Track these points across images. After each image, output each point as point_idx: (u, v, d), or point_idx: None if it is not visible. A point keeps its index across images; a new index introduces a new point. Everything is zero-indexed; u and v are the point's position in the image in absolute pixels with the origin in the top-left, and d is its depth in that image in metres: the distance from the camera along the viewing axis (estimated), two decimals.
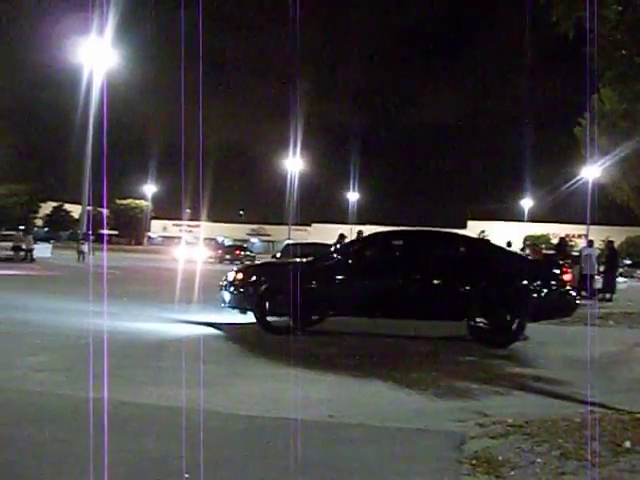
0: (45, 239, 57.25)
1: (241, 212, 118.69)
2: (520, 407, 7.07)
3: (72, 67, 41.05)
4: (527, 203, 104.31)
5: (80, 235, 50.64)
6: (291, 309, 11.47)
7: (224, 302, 12.93)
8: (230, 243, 70.03)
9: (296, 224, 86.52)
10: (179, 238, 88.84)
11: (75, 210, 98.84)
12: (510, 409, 6.86)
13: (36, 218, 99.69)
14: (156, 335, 11.66)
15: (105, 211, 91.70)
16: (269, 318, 12.25)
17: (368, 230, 26.42)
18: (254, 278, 12.71)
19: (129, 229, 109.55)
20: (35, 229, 72.58)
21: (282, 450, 5.20)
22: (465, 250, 13.11)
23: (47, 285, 22.27)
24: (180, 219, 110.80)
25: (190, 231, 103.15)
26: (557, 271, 12.34)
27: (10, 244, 41.12)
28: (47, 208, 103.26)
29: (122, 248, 79.59)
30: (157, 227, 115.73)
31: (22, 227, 63.03)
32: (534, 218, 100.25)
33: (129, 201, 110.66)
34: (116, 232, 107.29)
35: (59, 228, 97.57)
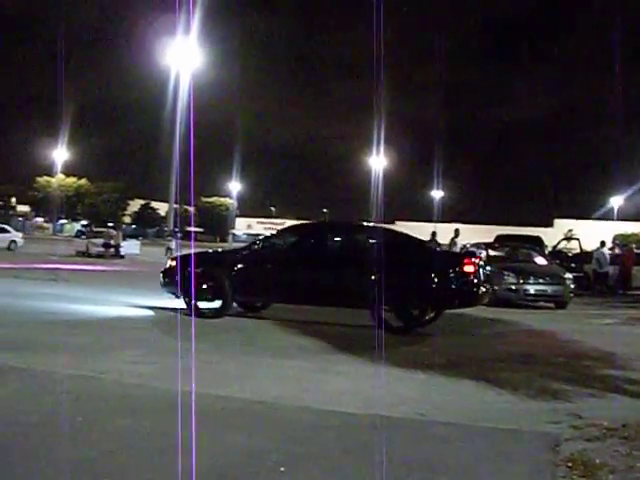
0: (133, 236, 58.46)
1: (325, 210, 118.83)
2: (615, 410, 6.90)
3: (161, 68, 41.84)
4: (617, 201, 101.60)
5: (167, 232, 51.59)
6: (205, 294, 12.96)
7: (162, 287, 13.99)
8: None
9: (380, 222, 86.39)
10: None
11: (162, 208, 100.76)
12: (605, 411, 6.71)
13: (124, 215, 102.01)
14: (244, 330, 11.84)
15: (191, 209, 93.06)
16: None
17: (451, 229, 26.27)
18: (184, 266, 13.42)
19: (214, 226, 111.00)
20: (123, 226, 74.16)
21: (374, 447, 5.21)
22: (371, 240, 13.61)
23: (137, 280, 22.70)
24: (265, 217, 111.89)
25: (275, 228, 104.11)
26: (459, 262, 12.74)
27: (101, 241, 42.21)
28: (135, 206, 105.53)
29: (208, 245, 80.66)
30: (242, 225, 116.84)
31: (111, 224, 64.61)
32: (625, 217, 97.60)
33: (214, 199, 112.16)
34: (202, 229, 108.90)
35: (146, 225, 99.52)
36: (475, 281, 12.57)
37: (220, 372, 8.11)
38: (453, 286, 12.57)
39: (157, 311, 13.71)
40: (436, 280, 12.46)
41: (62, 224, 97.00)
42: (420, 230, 25.44)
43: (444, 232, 26.15)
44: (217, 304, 13.15)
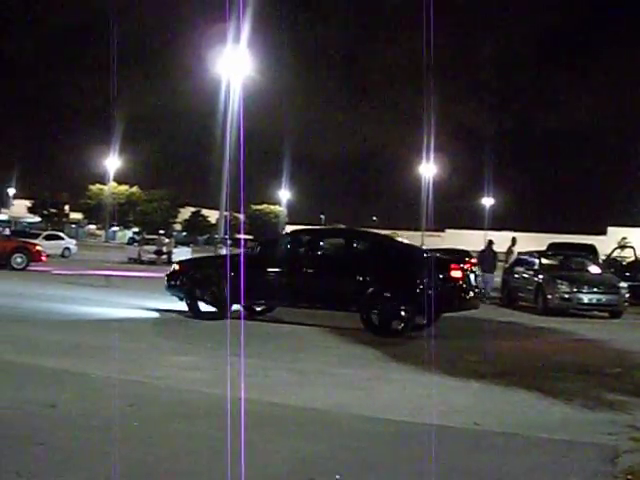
0: (184, 243, 58.97)
1: (374, 218, 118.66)
2: None
3: (212, 76, 42.18)
4: None
5: (218, 240, 51.97)
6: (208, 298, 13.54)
7: (167, 289, 14.45)
8: None
9: (429, 230, 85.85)
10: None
11: (212, 215, 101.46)
12: None
13: (175, 223, 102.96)
14: (291, 337, 11.89)
15: (241, 216, 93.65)
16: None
17: (503, 237, 26.00)
18: (186, 270, 14.41)
19: (264, 234, 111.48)
20: (174, 233, 74.93)
21: (429, 455, 5.18)
22: (363, 246, 14.08)
23: None
24: (314, 224, 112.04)
25: None
26: (446, 267, 12.90)
27: (153, 248, 42.67)
28: (185, 213, 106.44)
29: None
30: None
31: (162, 231, 65.27)
32: None
33: (264, 206, 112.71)
34: (251, 237, 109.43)
35: (197, 233, 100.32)
36: (463, 286, 12.84)
37: (273, 379, 8.15)
38: (439, 291, 12.48)
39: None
40: (422, 285, 12.57)
41: (114, 231, 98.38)
42: (471, 238, 25.27)
43: (496, 240, 25.86)
44: (216, 307, 13.60)
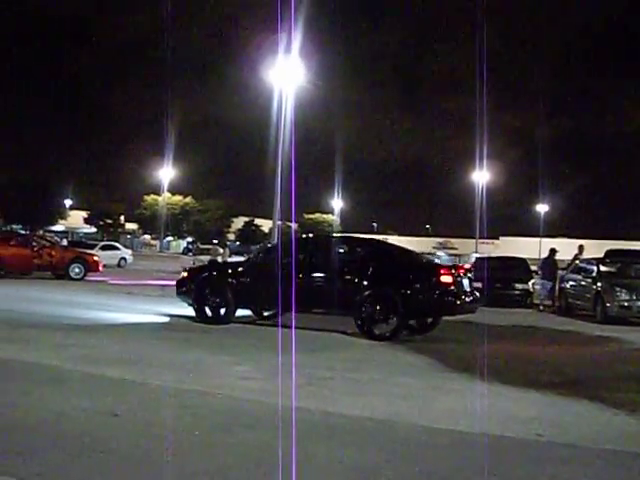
0: (238, 253, 59.38)
1: (428, 226, 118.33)
2: None
3: (265, 86, 42.41)
4: None
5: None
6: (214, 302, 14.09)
7: (177, 295, 15.17)
8: None
9: (483, 237, 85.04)
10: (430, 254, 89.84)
11: (265, 225, 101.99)
12: None
13: (228, 232, 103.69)
14: (344, 346, 11.86)
15: (294, 225, 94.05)
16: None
17: (559, 243, 25.65)
18: (193, 277, 15.02)
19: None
20: (228, 243, 75.41)
21: (489, 467, 5.12)
22: (358, 252, 14.38)
23: None
24: (367, 233, 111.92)
25: None
26: (436, 273, 13.21)
27: (208, 257, 42.98)
28: (239, 223, 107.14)
29: None
30: None
31: (216, 241, 65.77)
32: None
33: (317, 215, 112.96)
34: None
35: (250, 242, 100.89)
36: (453, 291, 12.97)
37: (329, 388, 8.13)
38: (429, 295, 12.99)
39: (258, 326, 13.88)
40: (410, 290, 13.02)
41: (168, 241, 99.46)
42: (525, 246, 25.04)
43: (548, 247, 25.56)
44: (221, 311, 14.16)
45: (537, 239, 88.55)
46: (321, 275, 13.79)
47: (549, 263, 23.82)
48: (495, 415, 6.87)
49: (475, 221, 75.86)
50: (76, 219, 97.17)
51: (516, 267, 26.61)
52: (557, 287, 23.29)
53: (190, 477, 4.81)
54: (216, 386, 7.85)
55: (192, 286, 14.63)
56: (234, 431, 6.01)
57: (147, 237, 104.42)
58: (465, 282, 13.58)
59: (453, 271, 13.47)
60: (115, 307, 16.34)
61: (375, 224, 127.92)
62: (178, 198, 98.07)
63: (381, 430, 6.24)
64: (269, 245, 16.14)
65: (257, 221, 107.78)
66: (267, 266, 14.20)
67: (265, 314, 15.33)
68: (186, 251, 67.96)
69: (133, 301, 17.07)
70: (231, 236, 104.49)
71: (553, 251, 23.97)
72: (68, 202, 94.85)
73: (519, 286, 24.57)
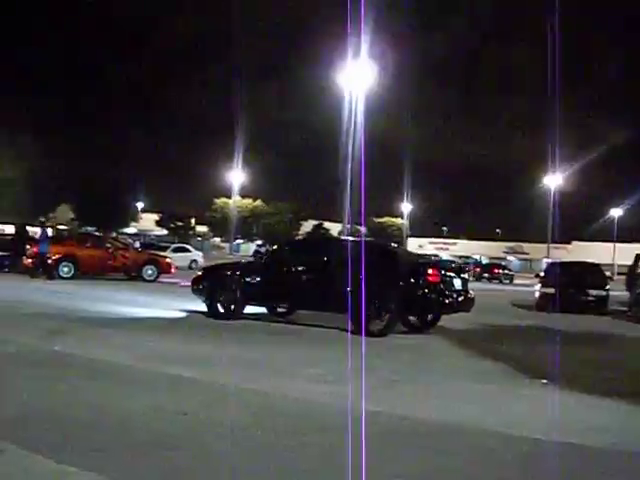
0: None
1: (498, 230, 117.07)
2: None
3: (335, 90, 42.51)
4: None
5: None
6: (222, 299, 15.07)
7: (192, 292, 16.14)
8: (487, 261, 69.26)
9: (555, 242, 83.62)
10: (435, 256, 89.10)
11: (334, 228, 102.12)
12: None
13: (298, 235, 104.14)
14: (411, 349, 11.79)
15: (364, 229, 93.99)
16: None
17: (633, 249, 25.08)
18: (206, 275, 16.21)
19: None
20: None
21: (563, 476, 5.02)
22: (353, 253, 14.08)
23: None
24: (437, 237, 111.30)
25: (446, 249, 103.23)
26: (424, 273, 13.63)
27: None
28: (308, 226, 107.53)
29: None
30: (413, 245, 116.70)
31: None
32: None
33: (386, 219, 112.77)
34: None
35: None
36: (441, 290, 13.56)
37: (399, 391, 8.10)
38: (418, 294, 13.55)
39: (327, 329, 13.89)
40: (401, 289, 13.68)
41: (238, 244, 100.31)
42: (598, 251, 24.65)
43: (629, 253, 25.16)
44: (231, 307, 15.08)
45: (611, 244, 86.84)
46: (320, 275, 14.48)
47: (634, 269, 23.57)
48: (569, 422, 6.72)
49: (546, 225, 74.68)
50: (148, 222, 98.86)
51: (590, 273, 26.13)
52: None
53: (250, 478, 4.85)
54: (282, 387, 7.89)
55: (205, 284, 15.76)
56: (302, 433, 6.00)
57: (217, 240, 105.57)
58: (457, 282, 14.10)
59: (443, 271, 13.94)
60: (185, 308, 16.56)
61: (445, 228, 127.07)
62: (248, 201, 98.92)
63: (454, 435, 6.17)
64: (274, 247, 17.48)
65: (326, 224, 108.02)
66: (271, 266, 15.54)
67: (279, 311, 16.09)
68: (256, 254, 68.56)
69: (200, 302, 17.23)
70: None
71: (639, 257, 23.56)
72: (140, 205, 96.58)
73: (593, 292, 24.09)
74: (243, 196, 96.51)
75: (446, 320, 14.83)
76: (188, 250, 50.66)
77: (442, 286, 13.56)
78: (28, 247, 28.08)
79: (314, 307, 14.89)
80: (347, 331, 12.83)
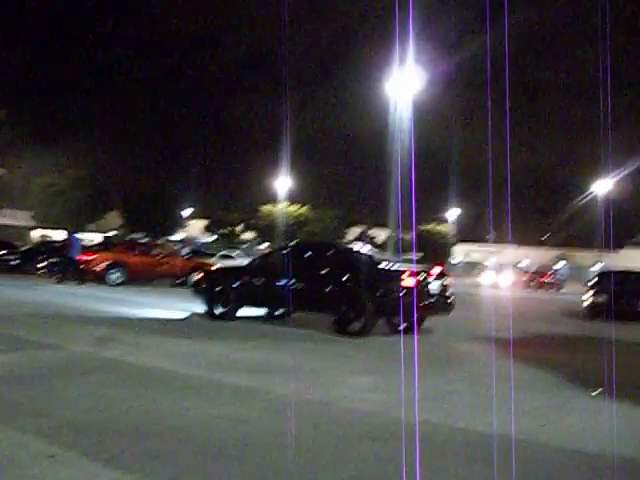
0: None
1: (546, 236, 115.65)
2: None
3: (382, 95, 42.44)
4: None
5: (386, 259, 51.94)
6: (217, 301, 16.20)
7: (193, 294, 17.43)
8: (535, 269, 68.46)
9: (606, 249, 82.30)
10: (482, 263, 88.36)
11: (379, 235, 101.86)
12: None
13: (343, 242, 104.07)
14: (472, 363, 11.68)
15: (414, 235, 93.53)
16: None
17: None
18: (205, 278, 16.92)
19: (432, 253, 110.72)
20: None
21: None
22: (336, 258, 15.55)
23: None
24: (483, 243, 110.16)
25: (494, 256, 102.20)
26: (398, 277, 14.11)
27: None
28: (354, 233, 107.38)
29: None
30: (459, 252, 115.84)
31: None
32: None
33: (432, 225, 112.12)
34: (419, 256, 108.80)
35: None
36: (416, 294, 13.90)
37: (453, 402, 8.03)
38: (393, 298, 13.99)
39: (379, 337, 13.84)
40: (377, 293, 14.19)
41: None
42: None
43: None
44: (227, 309, 16.09)
45: None
46: (306, 278, 15.12)
47: None
48: (623, 436, 6.62)
49: (596, 232, 73.59)
50: (195, 228, 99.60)
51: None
52: None
53: None
54: (339, 397, 7.90)
55: (204, 286, 16.72)
56: (359, 443, 6.00)
57: (264, 246, 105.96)
58: (434, 285, 14.64)
59: (419, 276, 14.32)
60: (252, 317, 16.81)
61: (492, 234, 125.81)
62: (294, 208, 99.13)
63: (508, 448, 6.08)
64: (266, 251, 18.65)
65: (372, 231, 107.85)
66: (261, 270, 16.28)
67: (276, 313, 16.99)
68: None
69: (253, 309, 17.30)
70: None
71: None
72: (187, 211, 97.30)
73: None
74: (289, 203, 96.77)
75: (488, 329, 14.69)
76: (231, 257, 50.87)
77: (416, 290, 14.01)
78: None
79: (300, 309, 15.61)
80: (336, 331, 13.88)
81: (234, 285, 16.14)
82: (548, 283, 54.73)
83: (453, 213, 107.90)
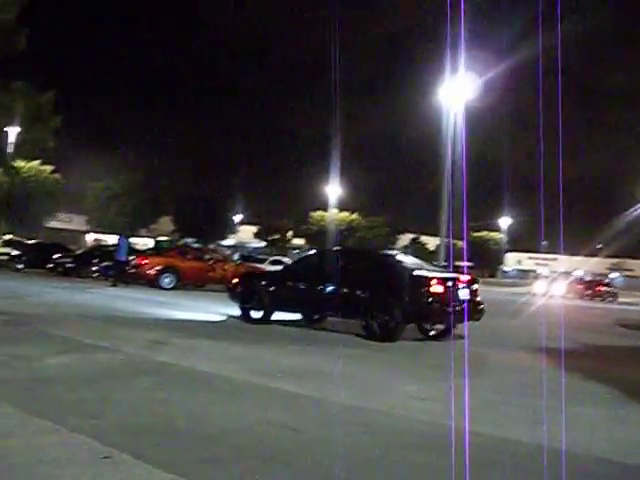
0: None
1: (600, 245, 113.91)
2: None
3: (433, 101, 42.28)
4: None
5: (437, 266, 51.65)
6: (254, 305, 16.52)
7: (229, 298, 17.78)
8: (590, 278, 67.52)
9: None
10: (534, 272, 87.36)
11: (430, 242, 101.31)
12: None
13: (394, 249, 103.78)
14: (520, 373, 11.55)
15: (462, 243, 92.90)
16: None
17: None
18: (241, 283, 17.43)
19: (483, 261, 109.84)
20: (435, 262, 75.29)
21: None
22: (365, 264, 15.99)
23: None
24: (536, 252, 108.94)
25: (546, 265, 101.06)
26: (426, 283, 14.22)
27: None
28: (405, 240, 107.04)
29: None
30: (511, 260, 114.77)
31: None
32: None
33: (484, 233, 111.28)
34: (471, 264, 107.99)
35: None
36: (443, 300, 14.11)
37: (505, 414, 7.95)
38: (421, 304, 14.18)
39: (416, 342, 13.78)
40: (405, 298, 14.34)
41: None
42: None
43: None
44: (262, 313, 16.38)
45: None
46: (338, 284, 15.26)
47: None
48: None
49: None
50: (246, 234, 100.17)
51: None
52: None
53: None
54: (390, 405, 7.88)
55: (239, 290, 17.19)
56: (411, 451, 5.99)
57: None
58: (463, 292, 14.74)
59: (448, 282, 14.51)
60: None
61: (545, 242, 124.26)
62: (345, 214, 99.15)
63: (561, 461, 5.99)
64: (297, 259, 18.92)
65: (423, 238, 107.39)
66: (292, 276, 16.91)
67: (315, 317, 17.17)
68: (275, 263, 68.60)
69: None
70: None
71: None
72: (238, 217, 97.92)
73: None
74: (340, 209, 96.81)
75: (538, 338, 14.49)
76: (282, 263, 51.05)
77: (445, 296, 14.19)
78: (132, 258, 28.90)
79: (332, 314, 16.20)
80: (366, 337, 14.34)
81: (268, 289, 16.47)
82: (603, 293, 53.88)
83: (505, 221, 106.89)
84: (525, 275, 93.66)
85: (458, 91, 40.20)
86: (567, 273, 61.65)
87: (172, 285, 27.57)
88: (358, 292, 14.83)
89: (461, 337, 14.78)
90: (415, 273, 14.98)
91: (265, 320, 16.24)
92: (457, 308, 14.42)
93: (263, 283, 16.77)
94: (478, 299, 15.45)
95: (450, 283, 14.53)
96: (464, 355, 11.92)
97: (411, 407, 7.87)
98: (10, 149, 52.51)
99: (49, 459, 5.17)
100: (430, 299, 14.12)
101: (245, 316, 16.58)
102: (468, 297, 14.85)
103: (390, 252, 18.71)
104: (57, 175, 66.95)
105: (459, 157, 38.68)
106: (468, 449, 5.98)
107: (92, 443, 5.59)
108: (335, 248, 21.20)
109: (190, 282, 28.24)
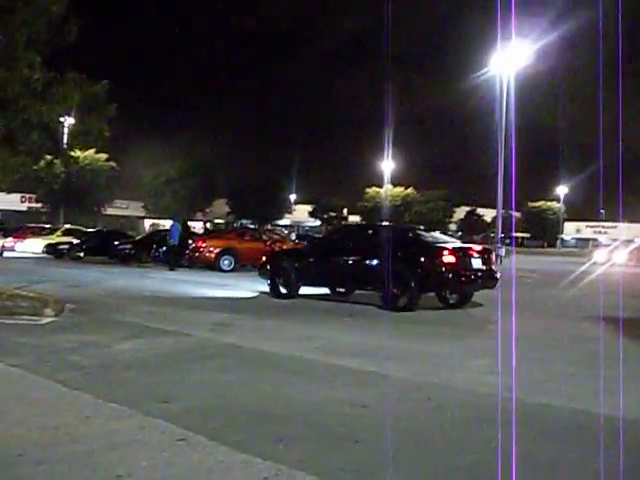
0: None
1: None
2: None
3: (487, 73, 41.76)
4: None
5: (495, 239, 51.26)
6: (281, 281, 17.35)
7: (259, 275, 18.78)
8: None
9: None
10: (594, 240, 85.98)
11: (487, 214, 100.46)
12: None
13: (450, 222, 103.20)
14: (588, 343, 11.40)
15: (516, 214, 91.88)
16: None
17: None
18: (269, 260, 18.48)
19: (541, 232, 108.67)
20: (450, 233, 74.97)
21: None
22: (381, 237, 16.28)
23: None
24: (594, 220, 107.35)
25: (606, 232, 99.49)
26: (439, 254, 14.96)
27: None
28: (461, 213, 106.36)
29: (533, 251, 79.07)
30: (570, 229, 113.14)
31: (438, 231, 65.54)
32: None
33: (541, 203, 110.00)
34: (528, 235, 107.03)
35: (472, 232, 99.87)
36: (457, 270, 14.85)
37: (572, 385, 7.85)
38: (435, 274, 14.86)
39: (447, 310, 13.70)
40: (420, 269, 14.97)
41: None
42: None
43: None
44: (289, 289, 17.16)
45: None
46: (358, 259, 16.13)
47: None
48: None
49: None
50: (301, 213, 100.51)
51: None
52: None
53: (438, 472, 4.88)
54: (456, 380, 7.88)
55: (268, 267, 18.01)
56: (481, 426, 5.99)
57: None
58: (476, 262, 15.30)
59: (460, 252, 15.20)
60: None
61: (603, 211, 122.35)
62: (399, 190, 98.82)
63: (636, 433, 5.93)
64: (320, 235, 20.56)
65: (479, 210, 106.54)
66: (317, 251, 18.06)
67: (339, 291, 17.93)
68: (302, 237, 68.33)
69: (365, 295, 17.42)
70: (452, 226, 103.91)
71: None
72: (293, 197, 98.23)
73: None
74: (395, 185, 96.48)
75: (598, 307, 14.29)
76: None
77: (457, 266, 14.86)
78: (190, 242, 29.17)
79: (354, 287, 17.15)
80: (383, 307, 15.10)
81: (294, 266, 17.22)
82: None
83: (562, 190, 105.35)
84: (585, 244, 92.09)
85: (511, 59, 39.67)
86: (629, 241, 60.38)
87: (231, 267, 27.81)
88: (378, 265, 15.39)
89: (506, 305, 14.64)
90: (429, 245, 15.78)
91: (292, 295, 16.99)
92: (471, 277, 15.27)
93: (289, 260, 17.72)
94: (492, 267, 16.11)
95: (461, 253, 15.25)
96: (522, 326, 11.83)
97: (477, 381, 7.84)
98: (67, 140, 53.33)
99: (125, 443, 5.28)
100: (443, 269, 14.79)
101: (275, 292, 17.27)
102: (481, 267, 15.45)
103: (410, 226, 19.64)
104: (113, 163, 67.91)
105: (511, 126, 38.22)
106: (536, 422, 5.98)
107: (167, 426, 5.70)
108: (356, 224, 22.50)
109: (248, 262, 28.42)
